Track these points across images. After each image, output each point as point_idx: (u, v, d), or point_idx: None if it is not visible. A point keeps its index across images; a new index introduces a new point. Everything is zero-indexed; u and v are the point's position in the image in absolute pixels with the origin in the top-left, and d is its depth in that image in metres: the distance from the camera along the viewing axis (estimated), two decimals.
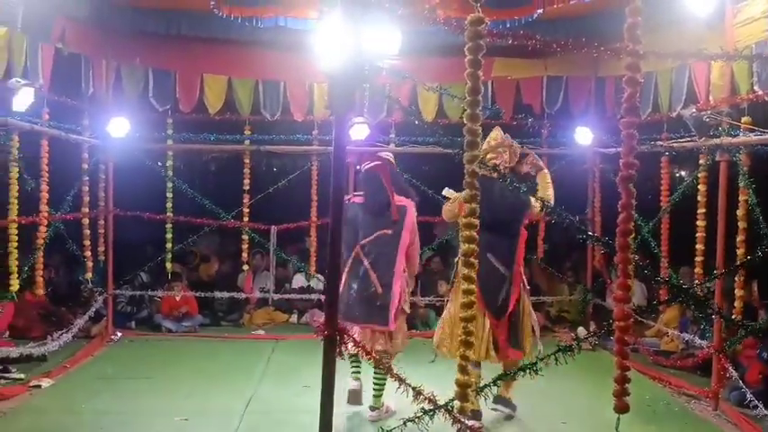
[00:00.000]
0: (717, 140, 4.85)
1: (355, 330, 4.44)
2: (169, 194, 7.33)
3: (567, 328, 7.37)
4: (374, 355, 3.55)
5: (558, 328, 7.43)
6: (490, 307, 4.38)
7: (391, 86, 6.66)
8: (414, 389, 2.87)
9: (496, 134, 4.65)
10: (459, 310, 3.94)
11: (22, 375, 5.35)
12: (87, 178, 6.52)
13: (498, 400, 4.55)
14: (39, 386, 5.17)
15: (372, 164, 4.72)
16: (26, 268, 5.45)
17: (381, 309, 4.44)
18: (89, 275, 6.69)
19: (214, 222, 7.32)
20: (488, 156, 4.41)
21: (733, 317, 4.55)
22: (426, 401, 2.86)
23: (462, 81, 2.71)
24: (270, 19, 6.10)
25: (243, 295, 7.73)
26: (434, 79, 6.46)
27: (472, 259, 2.70)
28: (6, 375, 5.30)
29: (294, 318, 7.85)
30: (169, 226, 7.34)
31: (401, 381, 3.01)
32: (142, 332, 7.18)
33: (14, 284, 5.29)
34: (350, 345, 3.02)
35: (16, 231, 5.24)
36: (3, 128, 4.75)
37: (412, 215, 4.60)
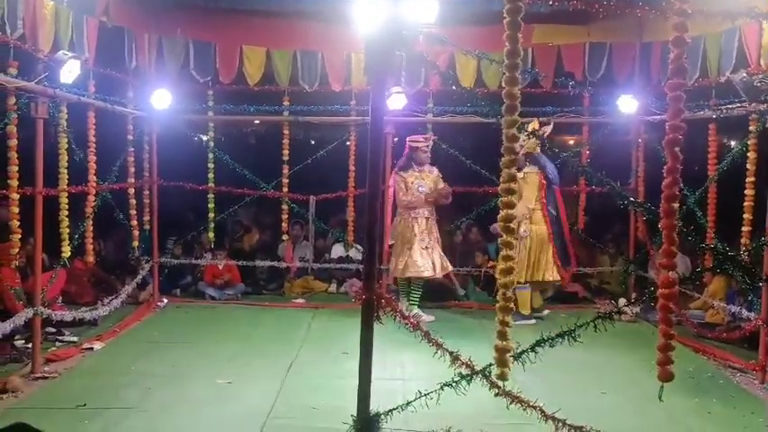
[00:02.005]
0: None
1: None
2: (210, 165, 7.47)
3: (608, 300, 7.27)
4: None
5: (599, 300, 7.35)
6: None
7: (429, 55, 6.58)
8: (451, 354, 2.90)
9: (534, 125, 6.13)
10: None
11: (76, 338, 5.60)
12: (132, 149, 6.69)
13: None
14: (91, 348, 5.41)
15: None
16: (76, 236, 5.65)
17: None
18: (135, 244, 6.91)
19: (254, 192, 7.44)
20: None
21: None
22: (464, 366, 2.89)
23: (500, 50, 2.65)
24: None
25: (283, 265, 7.87)
26: (472, 48, 6.34)
27: (512, 225, 2.67)
28: (61, 338, 5.55)
29: (333, 287, 7.96)
30: (211, 196, 7.50)
31: (439, 346, 3.05)
32: (187, 299, 7.40)
33: (66, 252, 5.49)
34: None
35: (66, 201, 5.42)
36: (52, 99, 4.88)
37: (391, 180, 6.71)
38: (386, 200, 6.72)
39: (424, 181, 6.53)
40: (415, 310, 6.42)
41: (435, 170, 6.66)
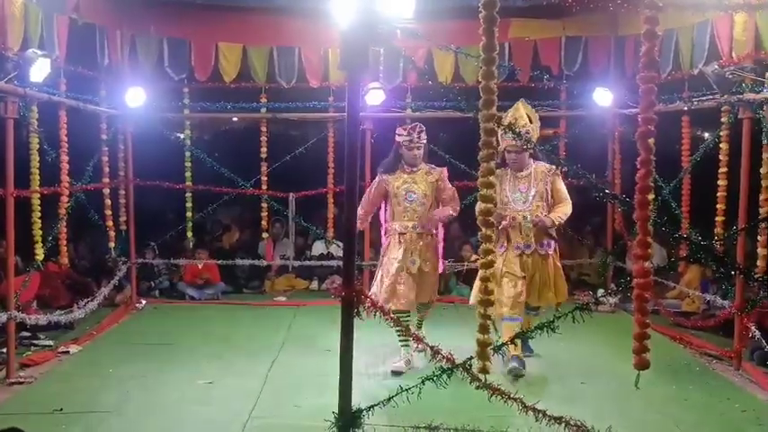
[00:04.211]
0: (739, 97, 4.73)
1: None
2: (188, 164, 7.39)
3: (587, 292, 7.35)
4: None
5: (579, 292, 7.42)
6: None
7: (407, 49, 6.58)
8: (432, 348, 2.90)
9: (519, 107, 4.97)
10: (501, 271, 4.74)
11: (51, 342, 5.51)
12: (106, 148, 6.59)
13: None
14: (67, 352, 5.32)
15: None
16: (50, 238, 5.55)
17: None
18: (112, 245, 6.82)
19: (233, 191, 7.39)
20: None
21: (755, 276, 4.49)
22: (444, 360, 2.89)
23: (477, 44, 2.65)
24: None
25: (264, 263, 7.82)
26: (450, 43, 6.36)
27: (491, 219, 2.68)
28: (36, 342, 5.46)
29: (315, 284, 7.95)
30: (189, 195, 7.42)
31: (419, 340, 3.05)
32: (166, 300, 7.32)
33: (39, 254, 5.39)
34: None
35: (39, 202, 5.32)
36: (22, 98, 4.79)
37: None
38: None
39: (417, 185, 4.97)
40: (402, 353, 4.86)
41: (437, 171, 5.06)
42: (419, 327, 5.06)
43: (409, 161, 5.01)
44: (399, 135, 5.03)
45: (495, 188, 4.50)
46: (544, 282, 4.85)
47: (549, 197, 4.93)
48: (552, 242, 4.94)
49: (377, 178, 5.14)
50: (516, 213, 4.83)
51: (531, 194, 4.85)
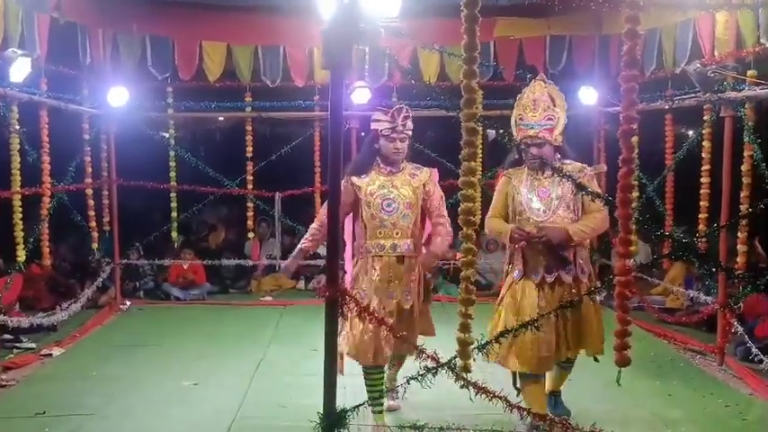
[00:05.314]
0: (721, 95, 4.78)
1: None
2: (172, 163, 7.34)
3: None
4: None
5: None
6: None
7: (392, 49, 6.57)
8: (416, 347, 2.89)
9: (540, 84, 3.82)
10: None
11: (34, 345, 5.45)
12: (89, 149, 6.53)
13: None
14: (50, 355, 5.27)
15: None
16: (31, 240, 5.50)
17: None
18: (95, 246, 6.76)
19: (218, 190, 7.35)
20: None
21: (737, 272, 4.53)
22: (429, 359, 2.89)
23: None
24: None
25: (250, 263, 7.79)
26: (436, 41, 6.36)
27: (472, 218, 2.69)
28: (18, 345, 5.39)
29: (301, 284, 7.93)
30: (174, 195, 7.38)
31: (404, 340, 3.05)
32: (151, 301, 7.27)
33: (21, 256, 5.34)
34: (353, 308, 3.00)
35: (20, 203, 5.27)
36: (2, 98, 4.73)
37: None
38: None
39: (398, 190, 3.71)
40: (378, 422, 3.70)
41: (423, 172, 3.83)
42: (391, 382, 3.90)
43: (389, 157, 3.74)
44: (377, 121, 3.74)
45: (510, 192, 3.54)
46: (575, 323, 3.61)
47: (580, 208, 3.61)
48: (586, 268, 3.74)
49: (343, 183, 3.38)
50: (532, 226, 3.58)
51: (553, 199, 3.59)
